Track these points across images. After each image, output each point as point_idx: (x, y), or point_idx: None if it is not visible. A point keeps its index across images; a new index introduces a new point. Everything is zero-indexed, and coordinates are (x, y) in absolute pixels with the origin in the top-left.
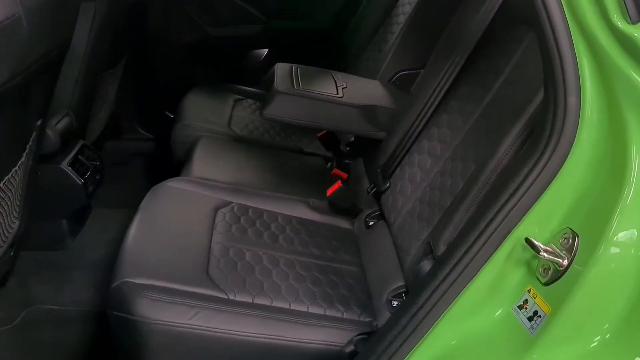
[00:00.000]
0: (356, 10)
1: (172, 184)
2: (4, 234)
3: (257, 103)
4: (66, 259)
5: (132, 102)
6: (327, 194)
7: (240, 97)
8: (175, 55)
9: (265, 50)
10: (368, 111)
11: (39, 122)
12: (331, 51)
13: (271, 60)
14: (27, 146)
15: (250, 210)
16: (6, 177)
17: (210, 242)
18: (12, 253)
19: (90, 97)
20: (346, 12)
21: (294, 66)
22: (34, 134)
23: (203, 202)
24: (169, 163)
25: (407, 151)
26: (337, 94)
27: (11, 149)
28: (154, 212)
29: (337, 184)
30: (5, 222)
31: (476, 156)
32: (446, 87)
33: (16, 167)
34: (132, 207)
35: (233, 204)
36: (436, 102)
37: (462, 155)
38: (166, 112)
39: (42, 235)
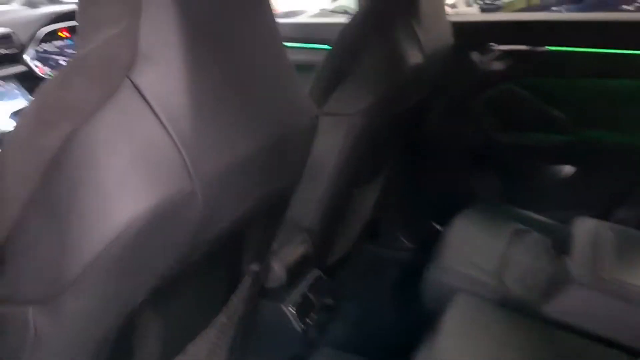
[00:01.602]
0: None
1: None
2: None
3: (546, 240)
4: None
5: (393, 208)
6: None
7: (523, 227)
8: (451, 162)
9: (568, 168)
10: None
11: (255, 267)
12: None
13: (577, 182)
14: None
15: None
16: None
17: None
18: None
19: (336, 218)
20: None
21: (605, 226)
22: (249, 278)
23: None
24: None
25: None
26: None
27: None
28: None
29: None
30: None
31: None
32: None
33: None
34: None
35: None
36: None
37: None
38: (433, 223)
39: None
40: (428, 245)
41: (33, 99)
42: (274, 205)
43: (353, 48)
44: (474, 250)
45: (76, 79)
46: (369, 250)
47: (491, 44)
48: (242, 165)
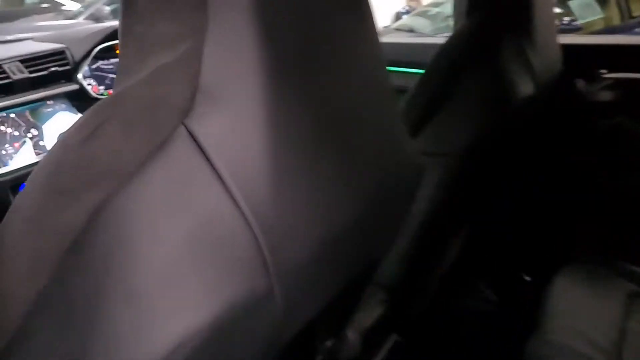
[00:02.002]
0: None
1: None
2: None
3: None
4: None
5: (478, 256)
6: None
7: (638, 289)
8: (547, 205)
9: None
10: None
11: (329, 343)
12: None
13: None
14: None
15: None
16: None
17: None
18: None
19: (420, 275)
20: None
21: None
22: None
23: None
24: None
25: None
26: None
27: None
28: None
29: None
30: None
31: None
32: None
33: None
34: None
35: None
36: None
37: None
38: (522, 274)
39: None
40: (517, 299)
41: (47, 157)
42: (360, 274)
43: (450, 73)
44: (582, 319)
45: (110, 127)
46: (449, 305)
47: (600, 70)
48: (336, 242)
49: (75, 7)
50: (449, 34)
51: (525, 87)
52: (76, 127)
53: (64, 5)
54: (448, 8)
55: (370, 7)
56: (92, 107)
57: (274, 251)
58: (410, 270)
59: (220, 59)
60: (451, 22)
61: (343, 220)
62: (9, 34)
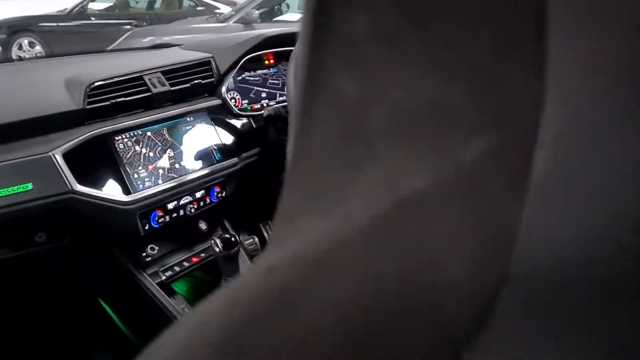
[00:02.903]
0: None
1: None
2: None
3: None
4: None
5: None
6: None
7: None
8: None
9: None
10: None
11: None
12: None
13: None
14: None
15: None
16: None
17: None
18: None
19: None
20: None
21: None
22: None
23: None
24: None
25: None
26: None
27: None
28: None
29: None
30: None
31: None
32: None
33: None
34: None
35: None
36: None
37: None
38: None
39: None
40: None
41: None
42: None
43: None
44: None
45: None
46: None
47: None
48: None
49: (228, 10)
50: None
51: None
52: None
53: (219, 8)
54: None
55: None
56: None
57: None
58: None
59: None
60: None
61: None
62: (165, 35)
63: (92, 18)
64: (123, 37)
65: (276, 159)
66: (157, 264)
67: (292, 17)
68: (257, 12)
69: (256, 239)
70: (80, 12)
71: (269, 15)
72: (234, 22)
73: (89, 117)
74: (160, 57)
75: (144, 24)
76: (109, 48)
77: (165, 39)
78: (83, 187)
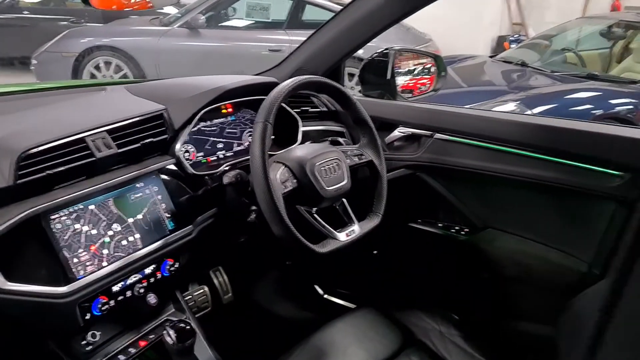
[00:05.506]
0: None
1: None
2: None
3: None
4: None
5: None
6: None
7: None
8: None
9: None
10: None
11: None
12: None
13: None
14: None
15: None
16: None
17: None
18: None
19: None
20: None
21: None
22: None
23: None
24: None
25: None
26: None
27: None
28: None
29: None
30: None
31: None
32: None
33: None
34: None
35: None
36: None
37: None
38: None
39: None
40: None
41: None
42: None
43: None
44: None
45: None
46: None
47: None
48: None
49: (173, 11)
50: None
51: None
52: None
53: (162, 9)
54: (560, 41)
55: None
56: None
57: None
58: None
59: None
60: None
61: None
62: (104, 37)
63: (25, 12)
64: (59, 37)
65: (234, 221)
66: (99, 354)
67: (238, 23)
68: (203, 17)
69: (206, 289)
70: (11, 5)
71: (215, 20)
72: (179, 27)
73: (19, 195)
74: (106, 107)
75: (82, 20)
76: (43, 49)
77: (105, 41)
78: (12, 285)
